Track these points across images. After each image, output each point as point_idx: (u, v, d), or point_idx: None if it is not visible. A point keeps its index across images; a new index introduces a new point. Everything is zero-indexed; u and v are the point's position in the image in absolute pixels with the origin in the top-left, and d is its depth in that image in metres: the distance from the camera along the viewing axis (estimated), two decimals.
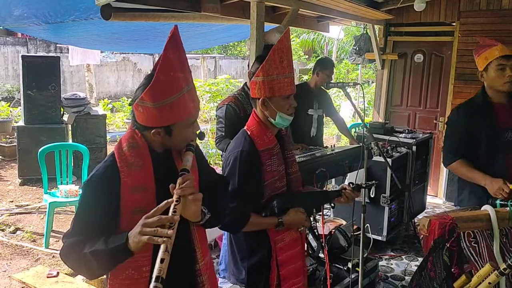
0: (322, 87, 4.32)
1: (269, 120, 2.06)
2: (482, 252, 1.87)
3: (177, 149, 1.58)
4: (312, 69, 4.77)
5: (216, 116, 3.54)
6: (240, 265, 2.13)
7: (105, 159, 1.55)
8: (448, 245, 1.78)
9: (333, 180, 4.31)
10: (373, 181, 2.41)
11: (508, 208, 1.98)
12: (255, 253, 2.10)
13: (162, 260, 1.24)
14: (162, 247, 1.27)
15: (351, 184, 2.27)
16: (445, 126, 2.80)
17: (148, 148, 1.52)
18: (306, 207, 2.13)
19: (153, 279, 1.21)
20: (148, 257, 1.46)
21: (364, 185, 2.30)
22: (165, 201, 1.38)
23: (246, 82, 3.57)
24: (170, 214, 1.35)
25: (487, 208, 1.96)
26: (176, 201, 1.39)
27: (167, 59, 1.44)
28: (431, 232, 1.84)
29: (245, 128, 2.12)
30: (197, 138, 1.60)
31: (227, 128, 3.32)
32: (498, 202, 2.10)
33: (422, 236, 1.93)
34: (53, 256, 4.16)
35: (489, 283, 1.59)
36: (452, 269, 1.77)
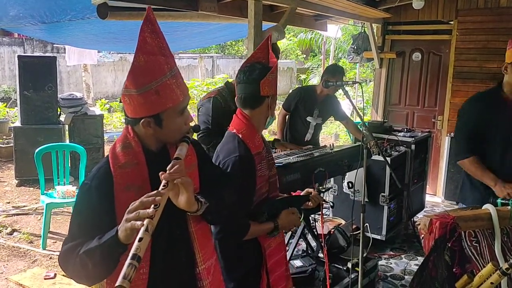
0: (330, 94, 4.26)
1: (267, 119, 2.02)
2: (483, 252, 1.85)
3: (172, 142, 1.54)
4: (308, 68, 4.73)
5: (199, 108, 3.41)
6: (226, 276, 1.99)
7: (100, 161, 1.53)
8: (449, 245, 1.76)
9: (331, 179, 4.29)
10: (330, 186, 2.46)
11: (509, 207, 1.96)
12: (244, 262, 2.03)
13: (140, 239, 1.20)
14: (142, 226, 1.24)
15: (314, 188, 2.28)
16: (457, 117, 2.71)
17: (142, 147, 1.49)
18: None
19: (129, 257, 1.17)
20: (145, 260, 1.43)
21: (323, 189, 2.34)
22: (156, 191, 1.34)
23: (228, 80, 3.62)
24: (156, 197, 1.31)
25: (488, 207, 1.95)
26: (163, 186, 1.36)
27: (145, 41, 1.41)
28: (431, 231, 1.82)
29: (233, 131, 2.00)
30: (192, 131, 1.57)
31: (214, 121, 3.24)
32: (499, 201, 2.09)
33: (422, 235, 1.92)
34: (50, 258, 4.13)
35: (492, 283, 1.58)
36: (454, 269, 1.75)
